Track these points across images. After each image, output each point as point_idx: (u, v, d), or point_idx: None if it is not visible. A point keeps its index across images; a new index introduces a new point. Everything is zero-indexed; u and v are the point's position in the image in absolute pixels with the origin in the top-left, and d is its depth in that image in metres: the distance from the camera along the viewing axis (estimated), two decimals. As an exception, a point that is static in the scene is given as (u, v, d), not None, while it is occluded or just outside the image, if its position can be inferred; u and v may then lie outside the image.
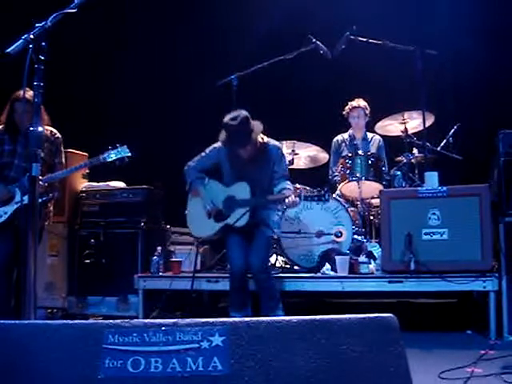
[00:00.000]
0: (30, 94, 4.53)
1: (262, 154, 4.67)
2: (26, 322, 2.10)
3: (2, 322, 1.99)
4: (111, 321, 1.99)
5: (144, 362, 1.92)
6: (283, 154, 4.82)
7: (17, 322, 2.02)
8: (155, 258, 5.45)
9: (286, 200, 4.39)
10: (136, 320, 2.02)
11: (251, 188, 4.58)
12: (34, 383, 1.89)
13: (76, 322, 1.99)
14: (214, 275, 5.27)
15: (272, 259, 5.51)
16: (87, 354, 1.93)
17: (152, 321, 1.99)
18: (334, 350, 1.93)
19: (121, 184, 6.30)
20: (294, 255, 5.34)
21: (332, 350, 1.93)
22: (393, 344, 1.93)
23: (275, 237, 5.18)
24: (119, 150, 4.65)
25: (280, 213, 5.24)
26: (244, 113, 4.49)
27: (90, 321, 2.00)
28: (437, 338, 4.57)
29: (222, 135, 4.58)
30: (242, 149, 4.54)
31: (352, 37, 5.40)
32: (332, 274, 4.94)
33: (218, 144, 4.76)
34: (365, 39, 5.41)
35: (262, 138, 4.68)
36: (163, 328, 1.97)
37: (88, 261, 5.88)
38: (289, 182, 4.68)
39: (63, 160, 4.98)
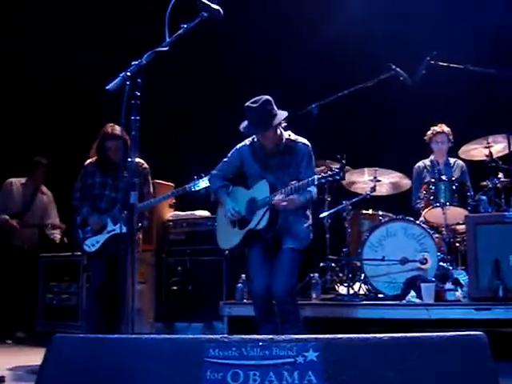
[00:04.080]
0: (118, 129, 4.81)
1: (288, 151, 4.27)
2: (130, 336, 2.22)
3: (106, 336, 2.13)
4: (211, 336, 2.09)
5: (243, 374, 2.01)
6: (312, 154, 4.31)
7: (121, 336, 2.15)
8: (240, 285, 5.54)
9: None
10: (234, 336, 2.12)
11: (270, 186, 4.15)
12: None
13: (178, 336, 2.10)
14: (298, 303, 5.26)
15: (356, 287, 5.50)
16: (190, 367, 2.03)
17: (250, 336, 2.08)
18: (425, 366, 1.95)
19: (205, 213, 6.47)
20: (377, 282, 5.30)
21: (423, 366, 1.95)
22: (484, 361, 1.93)
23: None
24: (204, 179, 4.80)
25: (309, 221, 4.42)
26: (266, 96, 4.14)
27: (191, 336, 2.10)
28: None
29: (243, 123, 4.24)
30: (263, 133, 4.17)
31: (432, 62, 5.39)
32: (418, 301, 4.88)
33: (239, 145, 4.48)
34: (445, 64, 5.39)
35: (290, 135, 4.32)
36: (260, 343, 2.05)
37: (175, 288, 6.08)
38: (314, 189, 4.14)
39: (151, 190, 5.17)
